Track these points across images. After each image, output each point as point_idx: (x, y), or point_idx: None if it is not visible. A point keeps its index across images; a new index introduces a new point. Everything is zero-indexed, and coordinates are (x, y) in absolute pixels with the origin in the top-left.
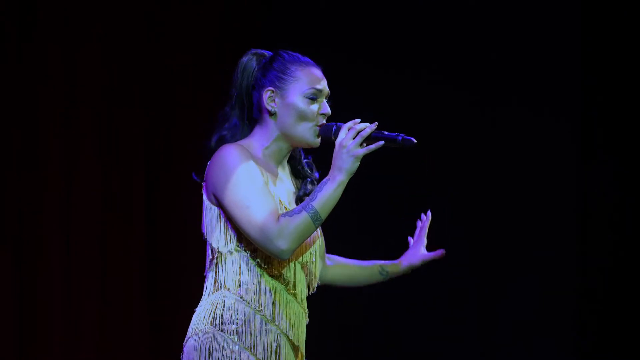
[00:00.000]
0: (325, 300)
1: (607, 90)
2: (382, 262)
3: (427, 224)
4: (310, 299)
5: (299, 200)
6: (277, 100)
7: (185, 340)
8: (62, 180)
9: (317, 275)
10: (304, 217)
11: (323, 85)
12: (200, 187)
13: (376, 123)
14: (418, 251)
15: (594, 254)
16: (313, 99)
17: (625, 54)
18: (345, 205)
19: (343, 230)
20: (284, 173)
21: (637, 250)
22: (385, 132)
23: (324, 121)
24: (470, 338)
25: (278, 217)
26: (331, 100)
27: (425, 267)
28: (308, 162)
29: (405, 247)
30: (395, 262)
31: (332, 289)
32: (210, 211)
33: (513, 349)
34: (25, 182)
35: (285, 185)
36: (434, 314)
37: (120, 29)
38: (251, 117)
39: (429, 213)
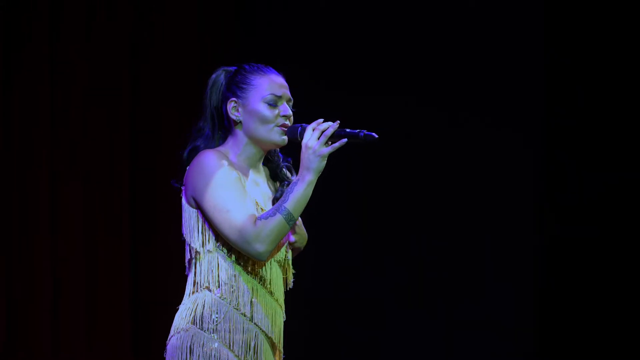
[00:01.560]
0: (302, 299)
1: (567, 105)
2: None
3: None
4: (287, 297)
5: (275, 202)
6: (240, 109)
7: (168, 339)
8: (50, 187)
9: (291, 272)
10: (278, 220)
11: (282, 91)
12: (179, 192)
13: (338, 122)
14: None
15: (550, 254)
16: (272, 104)
17: (584, 67)
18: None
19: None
20: (259, 176)
21: (593, 250)
22: (348, 130)
23: (287, 122)
24: (440, 335)
25: (255, 221)
26: (292, 104)
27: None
28: (287, 166)
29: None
30: None
31: (310, 289)
32: (189, 213)
33: (477, 346)
34: (15, 189)
35: (260, 188)
36: (405, 313)
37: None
38: (223, 126)
39: None
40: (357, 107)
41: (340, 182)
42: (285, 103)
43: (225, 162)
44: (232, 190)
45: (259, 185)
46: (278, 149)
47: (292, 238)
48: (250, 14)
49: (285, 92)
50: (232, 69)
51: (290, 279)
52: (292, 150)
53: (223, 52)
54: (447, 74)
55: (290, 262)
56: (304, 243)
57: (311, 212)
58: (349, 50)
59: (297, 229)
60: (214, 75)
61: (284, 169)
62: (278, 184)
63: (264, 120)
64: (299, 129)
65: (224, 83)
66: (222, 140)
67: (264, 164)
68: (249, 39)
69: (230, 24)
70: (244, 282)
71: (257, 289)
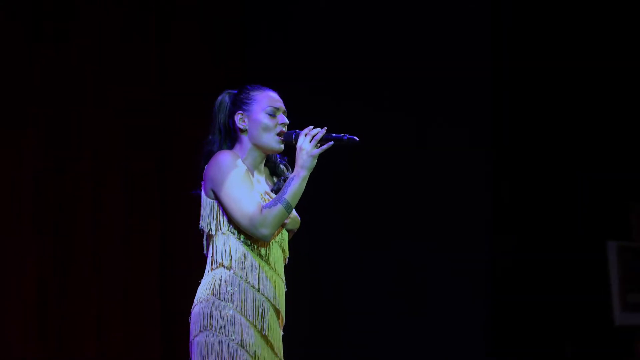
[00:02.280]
0: (300, 274)
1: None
2: None
3: None
4: (286, 273)
5: (275, 192)
6: (245, 120)
7: (192, 307)
8: (92, 188)
9: (287, 250)
10: (279, 208)
11: (279, 104)
12: (199, 194)
13: (325, 128)
14: None
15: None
16: (272, 114)
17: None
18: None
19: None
20: (261, 176)
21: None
22: (334, 134)
23: (283, 129)
24: (409, 316)
25: (261, 209)
26: (286, 115)
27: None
28: (284, 163)
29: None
30: None
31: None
32: (207, 203)
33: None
34: (62, 188)
35: (261, 185)
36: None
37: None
38: (229, 136)
39: None
40: (344, 116)
41: (327, 187)
42: (281, 114)
43: (239, 161)
44: (243, 183)
45: (260, 183)
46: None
47: (286, 220)
48: (254, 22)
49: (281, 105)
50: (234, 91)
51: (287, 256)
52: (287, 153)
53: (228, 60)
54: (429, 83)
55: (287, 242)
56: (297, 226)
57: (304, 212)
58: (337, 62)
59: (291, 214)
60: (220, 97)
61: (281, 166)
62: (275, 179)
63: (266, 128)
64: (294, 134)
65: (229, 102)
66: (230, 148)
67: (264, 165)
68: (252, 45)
69: (236, 29)
70: (252, 259)
71: (262, 266)
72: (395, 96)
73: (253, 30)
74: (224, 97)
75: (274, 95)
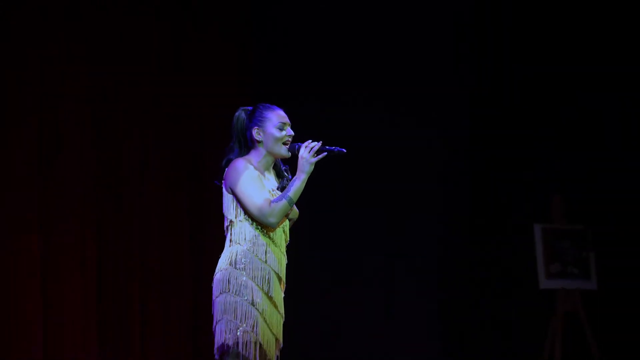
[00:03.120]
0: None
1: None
2: None
3: None
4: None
5: (280, 189)
6: (261, 134)
7: (214, 275)
8: (137, 183)
9: (288, 234)
10: (284, 203)
11: (286, 120)
12: (220, 187)
13: (321, 142)
14: None
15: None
16: (281, 129)
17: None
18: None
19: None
20: (270, 176)
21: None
22: (327, 147)
23: (290, 140)
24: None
25: (269, 203)
26: (290, 127)
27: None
28: (286, 168)
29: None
30: None
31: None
32: (227, 198)
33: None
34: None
35: (271, 183)
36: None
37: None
38: (247, 145)
39: None
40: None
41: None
42: (288, 127)
43: (250, 166)
44: (254, 183)
45: (269, 181)
46: (280, 160)
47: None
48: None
49: (287, 121)
50: (249, 108)
51: (288, 239)
52: (291, 160)
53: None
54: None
55: (288, 228)
56: (296, 216)
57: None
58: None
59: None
60: (236, 113)
61: (283, 171)
62: (279, 179)
63: (277, 140)
64: (296, 146)
65: (245, 117)
66: (246, 153)
67: (272, 168)
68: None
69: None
70: (261, 239)
71: (269, 244)
72: (396, 97)
73: (258, 35)
74: (241, 113)
75: (282, 113)
